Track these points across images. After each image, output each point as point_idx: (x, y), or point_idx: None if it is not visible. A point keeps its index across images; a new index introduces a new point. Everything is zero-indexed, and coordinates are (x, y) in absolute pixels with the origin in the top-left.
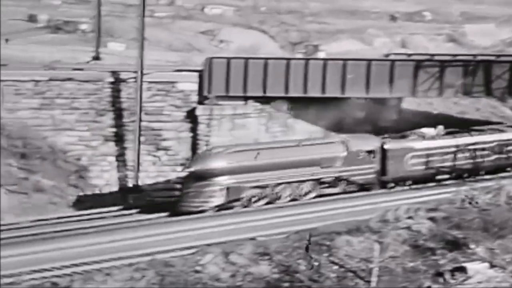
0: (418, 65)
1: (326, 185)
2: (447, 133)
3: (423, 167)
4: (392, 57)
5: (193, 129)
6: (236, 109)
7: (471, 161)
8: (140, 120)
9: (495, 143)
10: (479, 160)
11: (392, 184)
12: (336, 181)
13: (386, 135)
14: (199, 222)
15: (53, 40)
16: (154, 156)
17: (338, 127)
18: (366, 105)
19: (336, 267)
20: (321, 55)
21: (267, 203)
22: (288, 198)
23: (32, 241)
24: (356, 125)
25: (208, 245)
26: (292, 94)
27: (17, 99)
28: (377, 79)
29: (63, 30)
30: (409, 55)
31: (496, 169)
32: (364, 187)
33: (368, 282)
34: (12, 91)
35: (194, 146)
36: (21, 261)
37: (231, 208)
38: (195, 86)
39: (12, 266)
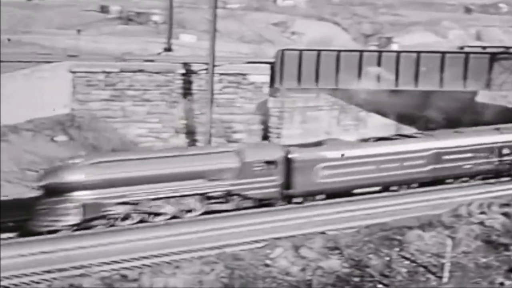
0: (493, 58)
1: (216, 200)
2: (377, 140)
3: (339, 179)
4: (466, 49)
5: (264, 122)
6: (308, 101)
7: (400, 172)
8: (211, 112)
9: (432, 152)
10: (410, 170)
11: (300, 199)
12: (228, 196)
13: (292, 144)
14: (269, 215)
15: (124, 31)
16: None
17: (411, 121)
18: (440, 98)
19: (407, 262)
20: (394, 47)
21: (141, 221)
22: (167, 216)
23: (101, 233)
24: (429, 118)
25: (278, 238)
26: (364, 86)
27: (88, 91)
28: (451, 72)
29: (135, 21)
30: (484, 47)
31: (433, 181)
32: (264, 203)
33: (440, 277)
34: (83, 82)
35: (265, 139)
36: (90, 253)
37: (92, 227)
38: (266, 78)
39: (82, 258)
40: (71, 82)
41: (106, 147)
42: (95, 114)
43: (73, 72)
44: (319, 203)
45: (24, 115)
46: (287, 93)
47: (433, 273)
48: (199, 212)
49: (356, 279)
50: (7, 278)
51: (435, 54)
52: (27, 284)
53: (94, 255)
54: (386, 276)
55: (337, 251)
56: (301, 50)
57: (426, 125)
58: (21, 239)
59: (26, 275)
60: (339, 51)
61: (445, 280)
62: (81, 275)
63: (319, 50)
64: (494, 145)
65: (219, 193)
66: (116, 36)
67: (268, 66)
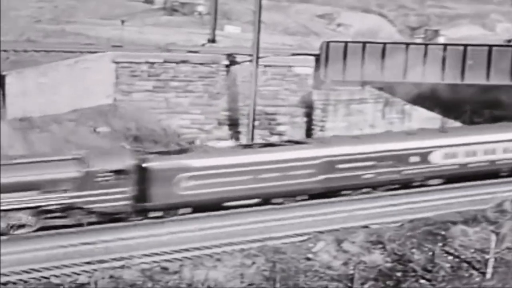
0: None
1: (54, 214)
2: (262, 146)
3: (207, 190)
4: None
5: (308, 114)
6: (353, 94)
7: (284, 182)
8: (255, 104)
9: (323, 160)
10: (296, 181)
11: (159, 213)
12: (68, 210)
13: (150, 151)
14: (312, 208)
15: (169, 22)
16: (268, 141)
17: (456, 114)
18: (487, 92)
19: (450, 257)
20: (441, 40)
21: None
22: None
23: (142, 225)
24: (474, 112)
25: (321, 232)
26: (410, 80)
27: (131, 81)
28: (498, 66)
29: (179, 12)
30: None
31: (325, 193)
32: (114, 218)
33: (483, 273)
34: (127, 72)
35: (309, 132)
36: (131, 244)
37: None
38: (311, 70)
39: (123, 249)
40: (115, 72)
41: (149, 138)
42: (138, 105)
43: (117, 63)
44: (362, 197)
45: (67, 105)
46: (332, 86)
47: (477, 269)
48: (34, 228)
49: (399, 274)
50: (47, 269)
51: (482, 48)
52: (68, 275)
53: (135, 247)
54: (429, 271)
55: (380, 246)
56: (346, 42)
57: (471, 119)
58: (62, 230)
59: (66, 266)
60: (385, 43)
61: (488, 276)
62: (121, 267)
63: (364, 42)
64: (401, 152)
65: (56, 207)
66: (160, 27)
67: (313, 58)
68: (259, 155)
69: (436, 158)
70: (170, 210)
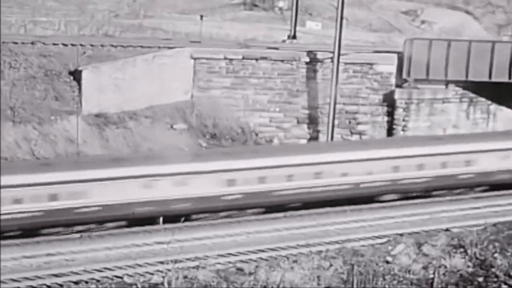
0: None
1: None
2: None
3: None
4: None
5: (390, 113)
6: (436, 93)
7: None
8: (335, 103)
9: None
10: None
11: None
12: None
13: None
14: (392, 210)
15: (248, 17)
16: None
17: None
18: None
19: None
20: None
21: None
22: None
23: (218, 225)
24: None
25: (401, 234)
26: (496, 79)
27: (209, 77)
28: None
29: (259, 7)
30: None
31: None
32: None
33: None
34: (205, 69)
35: (390, 131)
36: (206, 244)
37: None
38: (393, 68)
39: (198, 250)
40: (193, 68)
41: (226, 136)
42: (216, 101)
43: (195, 59)
44: (443, 199)
45: (144, 101)
46: (415, 84)
47: None
48: None
49: (480, 279)
50: (120, 268)
51: None
52: (141, 274)
53: (210, 247)
54: None
55: (461, 250)
56: (430, 40)
57: None
58: (134, 229)
59: (140, 265)
60: (470, 41)
61: None
62: (196, 267)
63: (449, 40)
64: None
65: None
66: (239, 22)
67: (395, 55)
68: None
69: None
70: None
